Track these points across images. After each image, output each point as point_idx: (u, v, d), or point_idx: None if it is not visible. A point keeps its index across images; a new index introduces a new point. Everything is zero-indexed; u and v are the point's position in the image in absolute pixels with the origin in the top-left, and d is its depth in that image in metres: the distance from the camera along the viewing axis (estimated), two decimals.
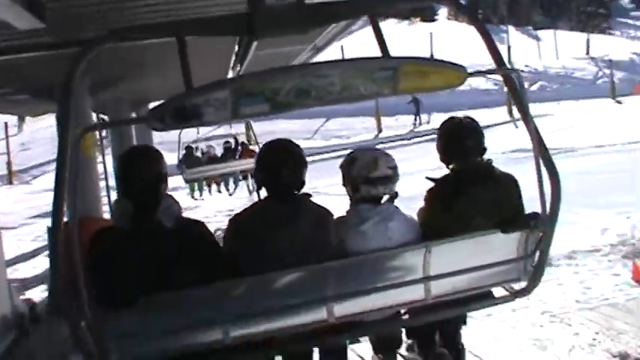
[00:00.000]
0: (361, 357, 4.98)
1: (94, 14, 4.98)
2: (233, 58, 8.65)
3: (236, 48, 7.93)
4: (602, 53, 52.86)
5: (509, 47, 49.07)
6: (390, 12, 56.19)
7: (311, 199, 3.75)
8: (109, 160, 12.24)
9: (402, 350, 4.60)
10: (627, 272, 7.30)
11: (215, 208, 16.72)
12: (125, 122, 11.83)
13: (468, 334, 5.49)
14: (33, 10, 4.30)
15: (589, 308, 6.38)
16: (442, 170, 4.19)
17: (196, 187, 20.79)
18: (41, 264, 11.65)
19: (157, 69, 8.89)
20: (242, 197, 17.70)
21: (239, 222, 3.67)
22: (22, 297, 8.20)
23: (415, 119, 38.07)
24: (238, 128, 22.13)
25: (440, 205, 3.98)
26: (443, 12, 65.70)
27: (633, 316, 6.00)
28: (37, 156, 37.82)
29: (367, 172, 3.85)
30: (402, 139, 31.49)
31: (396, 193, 3.94)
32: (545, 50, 55.47)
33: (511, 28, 57.08)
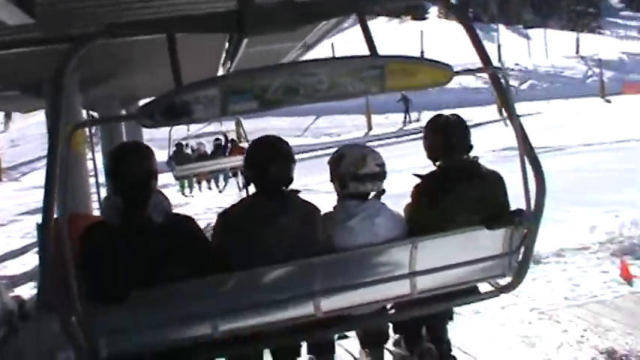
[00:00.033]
0: (349, 352, 5.00)
1: (83, 10, 4.98)
2: (223, 55, 8.65)
3: (226, 45, 7.93)
4: (591, 52, 53.09)
5: (499, 46, 49.24)
6: (379, 10, 56.24)
7: (299, 195, 3.78)
8: (99, 157, 12.24)
9: (389, 345, 4.63)
10: (615, 270, 7.34)
11: (205, 205, 16.70)
12: (115, 119, 11.81)
13: (457, 332, 5.52)
14: (22, 5, 4.29)
15: (577, 305, 6.41)
16: (430, 168, 4.22)
17: (186, 184, 20.75)
18: (30, 261, 11.59)
19: (146, 66, 8.88)
20: (232, 194, 17.66)
21: (228, 217, 3.70)
22: (10, 294, 8.18)
23: (405, 117, 38.13)
24: (228, 125, 22.14)
25: (426, 201, 4.02)
26: (434, 10, 65.91)
27: (621, 313, 6.04)
28: (26, 153, 37.69)
29: (355, 168, 3.88)
30: (392, 137, 31.54)
31: (383, 189, 3.98)
32: (535, 49, 55.66)
33: (501, 27, 57.22)
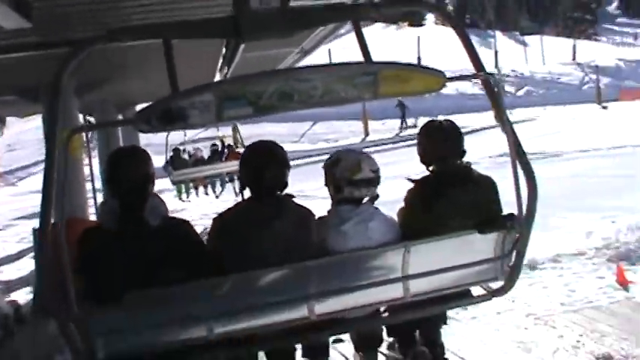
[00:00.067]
0: (344, 355, 5.00)
1: (80, 14, 5.00)
2: (220, 60, 8.66)
3: (223, 50, 7.93)
4: (588, 59, 53.24)
5: (496, 52, 49.41)
6: (376, 17, 56.31)
7: (293, 199, 3.81)
8: (96, 162, 12.25)
9: (383, 349, 4.64)
10: (611, 275, 7.34)
11: (201, 210, 16.68)
12: (112, 124, 11.83)
13: (454, 337, 5.53)
14: (20, 9, 4.31)
15: (573, 311, 6.41)
16: (425, 173, 4.24)
17: (183, 189, 20.76)
18: (26, 266, 11.57)
19: (143, 71, 8.89)
20: (228, 200, 17.65)
21: (223, 221, 3.72)
22: (6, 299, 8.18)
23: (401, 123, 38.15)
24: (225, 131, 22.14)
25: (419, 205, 4.05)
26: (431, 17, 65.95)
27: (617, 318, 6.05)
28: (22, 157, 37.63)
29: (350, 174, 3.90)
30: (389, 143, 31.55)
31: (377, 194, 4.00)
32: (531, 55, 55.81)
33: (498, 33, 57.40)
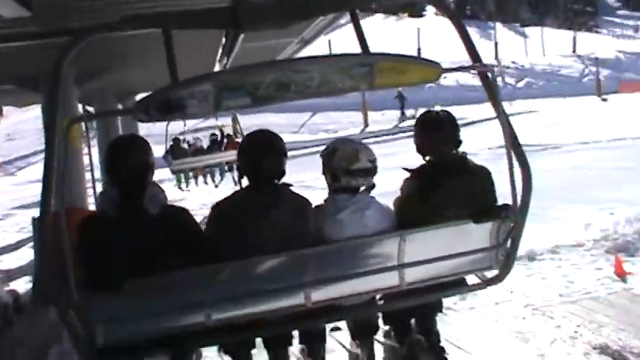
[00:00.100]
0: (341, 343, 5.04)
1: (80, 3, 4.98)
2: (220, 50, 8.66)
3: (223, 41, 7.93)
4: (588, 51, 53.12)
5: (496, 44, 49.32)
6: (376, 7, 56.22)
7: (290, 188, 3.84)
8: (95, 152, 12.24)
9: (380, 336, 4.67)
10: (609, 267, 7.37)
11: (200, 200, 16.68)
12: (111, 113, 11.83)
13: (452, 327, 5.56)
14: None
15: (571, 301, 6.44)
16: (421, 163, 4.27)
17: (183, 179, 20.81)
18: (25, 255, 11.59)
19: (142, 60, 8.88)
20: (227, 189, 17.66)
21: (221, 210, 3.75)
22: (6, 288, 8.20)
23: (401, 115, 38.11)
24: (225, 120, 22.13)
25: (415, 195, 4.09)
26: (431, 8, 65.76)
27: (614, 309, 6.07)
28: (22, 147, 37.62)
29: (348, 163, 3.94)
30: (388, 134, 31.53)
31: (374, 184, 4.04)
32: (532, 47, 55.72)
33: (498, 25, 57.26)
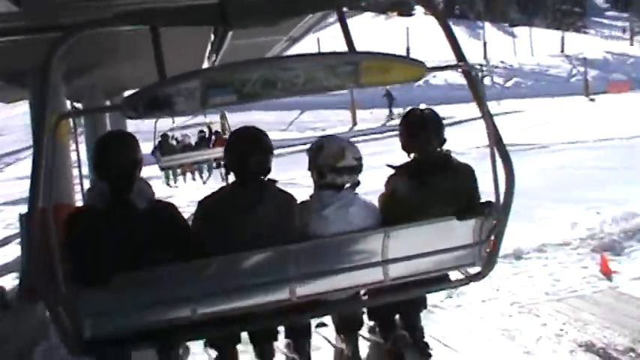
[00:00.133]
0: (327, 339, 5.06)
1: None
2: (209, 48, 8.64)
3: (212, 38, 7.91)
4: (576, 51, 53.34)
5: (485, 43, 49.43)
6: (365, 6, 56.25)
7: (276, 184, 3.89)
8: (83, 148, 12.16)
9: (364, 332, 4.71)
10: (595, 265, 7.43)
11: (188, 197, 16.67)
12: (99, 110, 11.77)
13: (439, 325, 5.59)
14: None
15: (557, 300, 6.48)
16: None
17: (171, 175, 20.79)
18: (12, 252, 11.52)
19: (131, 57, 8.83)
20: (215, 186, 17.66)
21: (207, 205, 3.80)
22: None
23: (389, 113, 38.10)
24: (213, 118, 22.09)
25: (400, 192, 4.14)
26: (420, 7, 65.83)
27: (600, 307, 6.12)
28: (9, 143, 37.37)
29: (334, 161, 4.00)
30: (376, 133, 31.54)
31: (359, 181, 4.10)
32: (520, 47, 55.85)
33: (487, 25, 57.42)
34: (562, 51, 55.36)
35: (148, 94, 3.05)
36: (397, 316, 4.55)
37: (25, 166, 25.56)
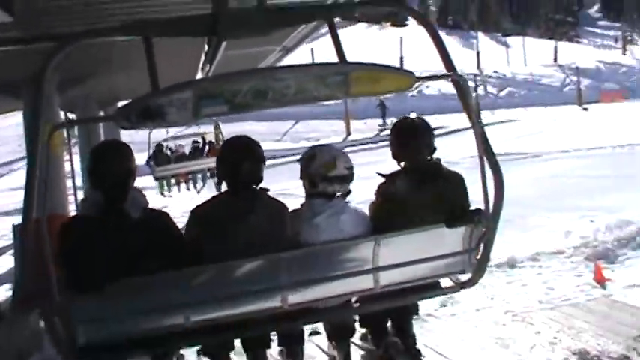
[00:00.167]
0: (319, 347, 5.06)
1: (62, 9, 4.98)
2: (202, 58, 8.66)
3: (205, 48, 7.94)
4: (569, 61, 53.61)
5: (478, 53, 49.67)
6: (359, 16, 56.42)
7: (268, 193, 3.91)
8: (77, 159, 12.17)
9: (356, 339, 4.72)
10: (589, 273, 7.42)
11: (183, 207, 16.67)
12: (93, 120, 11.79)
13: (433, 333, 5.59)
14: (1, 3, 4.29)
15: (551, 308, 6.46)
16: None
17: (165, 185, 20.82)
18: (5, 263, 11.48)
19: (125, 67, 8.86)
20: (210, 196, 17.66)
21: (200, 214, 3.82)
22: None
23: (382, 123, 38.18)
24: (207, 128, 22.15)
25: (390, 200, 4.16)
26: None
27: (594, 315, 6.11)
28: (3, 154, 37.26)
29: (326, 170, 4.03)
30: (369, 143, 31.58)
31: (350, 190, 4.13)
32: (513, 57, 56.12)
33: (480, 35, 57.69)
34: (555, 60, 55.68)
35: (141, 105, 3.06)
36: (389, 323, 4.56)
37: (18, 177, 25.50)
